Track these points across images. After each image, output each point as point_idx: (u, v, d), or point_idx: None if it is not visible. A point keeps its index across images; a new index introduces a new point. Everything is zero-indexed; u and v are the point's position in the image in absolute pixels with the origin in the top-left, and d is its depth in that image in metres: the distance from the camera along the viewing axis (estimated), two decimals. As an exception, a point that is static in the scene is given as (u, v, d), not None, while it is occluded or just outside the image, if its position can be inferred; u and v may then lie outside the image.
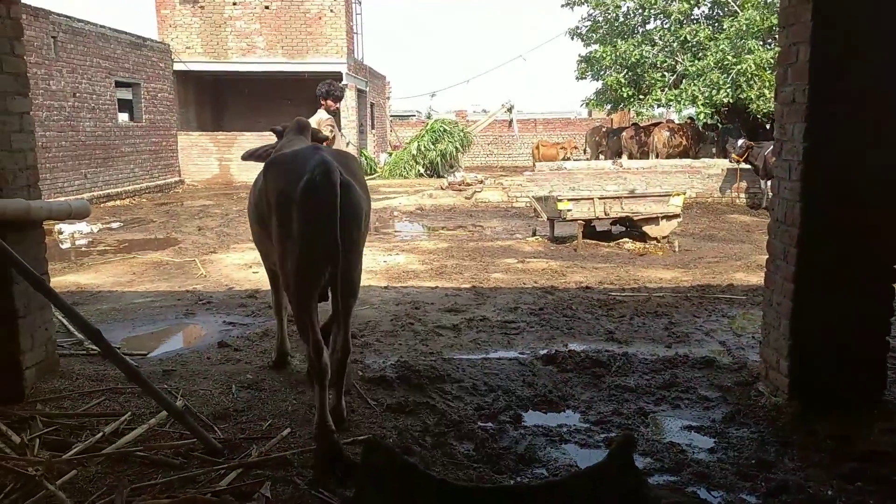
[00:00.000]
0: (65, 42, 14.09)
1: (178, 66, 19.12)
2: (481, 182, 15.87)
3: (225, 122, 22.42)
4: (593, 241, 9.19)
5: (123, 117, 17.41)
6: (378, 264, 7.93)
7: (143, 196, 16.42)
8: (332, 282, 3.10)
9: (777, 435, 3.33)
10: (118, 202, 15.24)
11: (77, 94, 14.49)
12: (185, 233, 10.66)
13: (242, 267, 7.85)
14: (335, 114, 7.46)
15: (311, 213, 3.02)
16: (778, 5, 16.15)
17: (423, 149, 21.38)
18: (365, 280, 7.02)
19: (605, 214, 9.06)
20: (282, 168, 3.27)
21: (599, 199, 9.11)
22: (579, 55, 20.37)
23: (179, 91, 19.56)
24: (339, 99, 7.51)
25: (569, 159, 19.13)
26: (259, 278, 7.21)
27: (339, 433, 3.19)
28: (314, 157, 3.15)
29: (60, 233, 10.61)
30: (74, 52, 14.42)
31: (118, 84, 16.32)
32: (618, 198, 9.19)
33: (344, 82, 19.48)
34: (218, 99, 22.72)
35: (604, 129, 23.01)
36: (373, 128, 25.41)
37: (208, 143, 19.63)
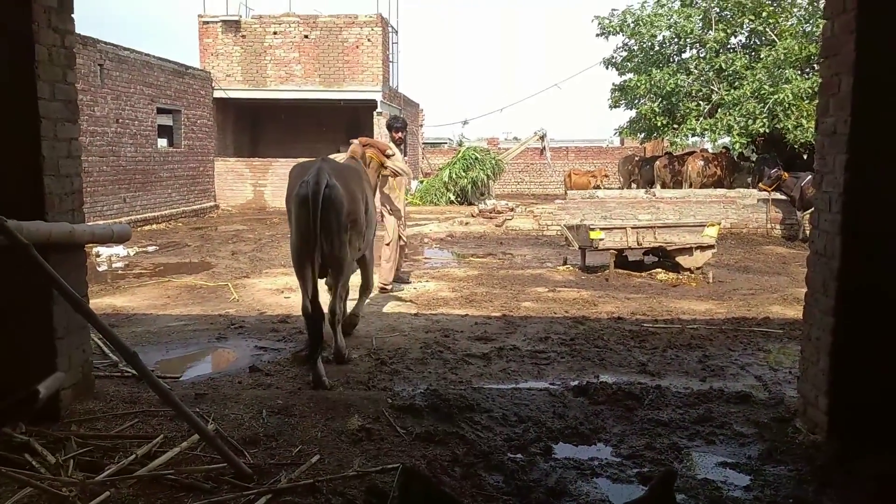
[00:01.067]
0: (110, 69, 14.55)
1: (217, 94, 19.59)
2: (512, 210, 15.88)
3: (260, 148, 22.84)
4: (625, 272, 9.11)
5: (163, 143, 17.85)
6: (408, 291, 7.96)
7: (178, 220, 16.75)
8: (324, 260, 4.62)
9: (815, 474, 3.24)
10: (154, 226, 15.56)
11: (120, 121, 14.92)
12: (219, 257, 10.83)
13: (274, 292, 7.94)
14: (399, 143, 7.84)
15: (299, 207, 4.55)
16: (817, 35, 15.99)
17: (454, 176, 21.50)
18: (395, 307, 7.07)
19: (638, 244, 8.99)
20: (294, 170, 4.96)
21: (632, 228, 9.05)
22: (613, 84, 20.35)
23: (218, 117, 20.01)
24: (398, 129, 7.94)
25: (600, 188, 19.06)
26: (290, 303, 7.28)
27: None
28: (315, 166, 4.68)
29: (98, 255, 10.86)
30: (119, 79, 14.88)
31: (159, 111, 16.76)
32: (651, 227, 9.12)
33: (379, 110, 19.75)
34: (255, 125, 23.19)
35: (637, 158, 22.90)
36: (405, 155, 25.59)
37: (244, 168, 20.01)
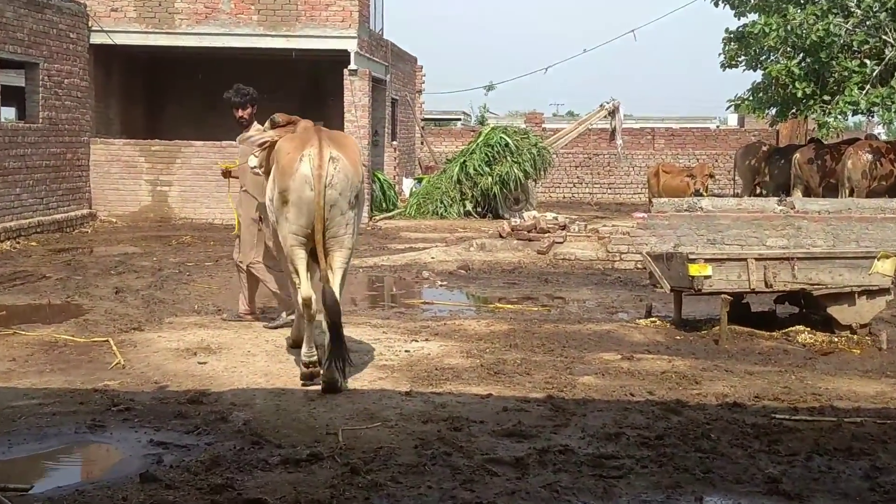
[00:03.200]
0: (-71, -1, 14.75)
1: (97, 38, 19.78)
2: (564, 227, 15.91)
3: (165, 125, 23.00)
4: (746, 329, 9.07)
5: (8, 114, 18.02)
6: (396, 356, 7.96)
7: (31, 237, 16.76)
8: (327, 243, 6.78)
9: None
10: (-6, 245, 15.62)
11: (-58, 78, 15.08)
12: (95, 297, 10.84)
13: (182, 353, 7.94)
14: (244, 123, 8.96)
15: (303, 183, 6.65)
16: None
17: (472, 172, 21.59)
18: (374, 380, 7.07)
19: (767, 285, 8.96)
20: (287, 143, 6.97)
21: (757, 259, 9.03)
22: (727, 30, 20.50)
23: (98, 76, 20.19)
24: (243, 105, 8.87)
25: (704, 194, 19.10)
26: (208, 372, 7.28)
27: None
28: (315, 136, 6.86)
29: None
30: (-58, 13, 15.06)
31: (4, 63, 16.94)
32: (787, 259, 9.09)
33: (353, 66, 19.85)
34: (156, 89, 23.37)
35: (764, 148, 22.97)
36: (394, 138, 25.80)
37: (137, 155, 20.14)
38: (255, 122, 8.88)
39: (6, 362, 7.59)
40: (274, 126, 7.78)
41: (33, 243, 16.25)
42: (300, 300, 6.86)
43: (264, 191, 8.25)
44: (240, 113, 8.96)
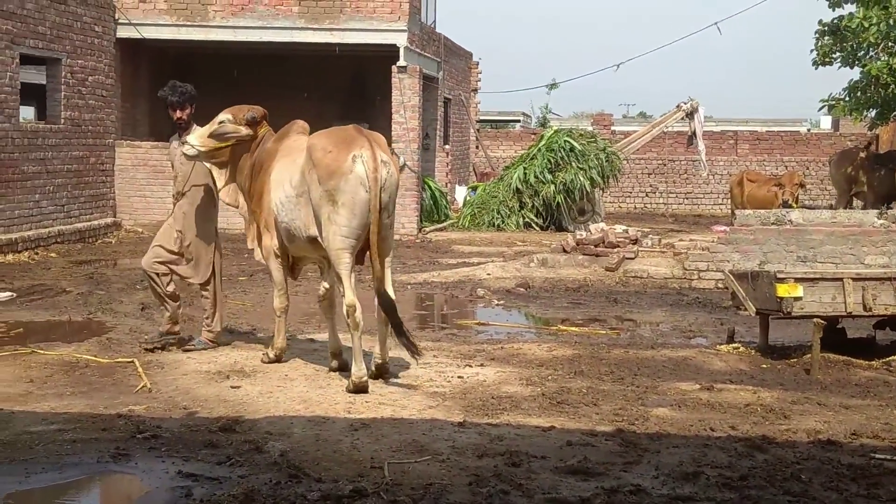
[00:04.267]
0: (-55, -11, 15.03)
1: (124, 32, 20.06)
2: (635, 241, 15.83)
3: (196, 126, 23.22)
4: (841, 357, 8.99)
5: (28, 114, 18.23)
6: (448, 382, 7.96)
7: (52, 248, 16.96)
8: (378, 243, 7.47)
9: None
10: (10, 257, 15.79)
11: (-42, 75, 15.34)
12: (120, 314, 10.98)
13: (213, 376, 8.01)
14: (183, 125, 9.12)
15: (357, 186, 7.41)
16: None
17: (532, 179, 21.55)
18: (423, 409, 7.08)
19: (865, 309, 8.86)
20: (323, 140, 7.68)
21: (854, 279, 8.94)
22: (821, 23, 20.30)
23: (125, 73, 20.46)
24: (180, 105, 9.09)
25: (794, 206, 18.91)
26: (241, 397, 7.34)
27: None
28: (361, 137, 7.57)
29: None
30: (-42, 5, 15.33)
31: (25, 59, 17.16)
32: (889, 279, 8.99)
33: (402, 62, 19.92)
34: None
35: (862, 155, 22.69)
36: (447, 141, 25.85)
37: (166, 159, 20.06)
38: (194, 124, 8.99)
39: (23, 384, 7.68)
40: (250, 123, 8.62)
41: (53, 254, 16.47)
42: (345, 307, 7.46)
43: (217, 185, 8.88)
44: (178, 114, 9.09)
